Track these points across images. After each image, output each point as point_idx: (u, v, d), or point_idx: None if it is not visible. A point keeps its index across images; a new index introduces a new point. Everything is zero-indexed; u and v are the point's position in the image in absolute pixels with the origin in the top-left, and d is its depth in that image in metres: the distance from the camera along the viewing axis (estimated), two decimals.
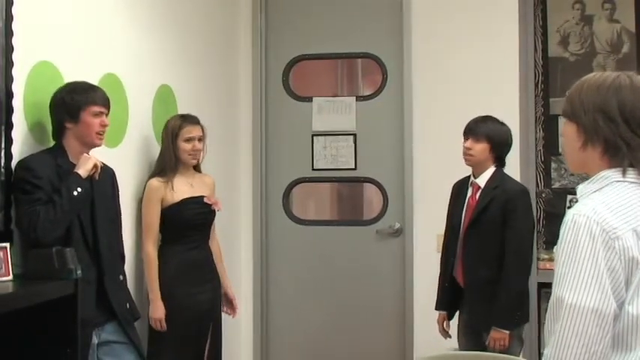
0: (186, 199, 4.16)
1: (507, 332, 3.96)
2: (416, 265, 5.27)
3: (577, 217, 1.91)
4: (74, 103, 3.30)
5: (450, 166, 5.11)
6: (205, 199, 4.25)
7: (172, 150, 4.16)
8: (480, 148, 4.07)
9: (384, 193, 5.43)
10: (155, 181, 4.13)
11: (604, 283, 1.86)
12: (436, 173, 5.18)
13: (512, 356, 3.66)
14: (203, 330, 4.24)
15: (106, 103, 3.40)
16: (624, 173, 1.97)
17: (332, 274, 5.48)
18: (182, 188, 4.17)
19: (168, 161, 4.15)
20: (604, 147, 1.99)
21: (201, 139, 4.23)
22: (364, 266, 5.43)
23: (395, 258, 5.36)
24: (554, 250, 1.99)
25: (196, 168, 4.31)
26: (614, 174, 1.98)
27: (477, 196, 4.09)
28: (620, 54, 5.21)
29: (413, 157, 5.29)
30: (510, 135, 4.18)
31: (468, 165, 4.15)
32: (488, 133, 4.07)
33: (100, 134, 3.38)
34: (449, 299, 4.26)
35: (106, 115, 3.40)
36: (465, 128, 4.15)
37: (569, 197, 5.09)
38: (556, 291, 1.91)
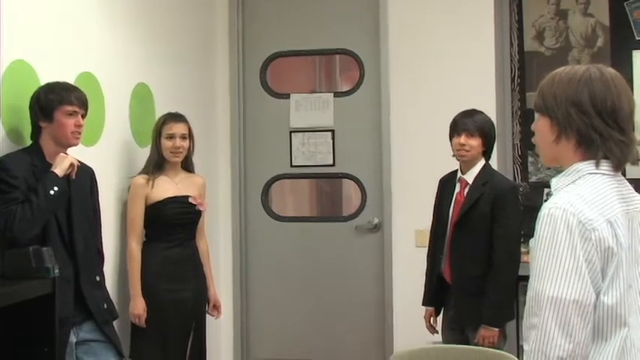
0: (170, 197, 4.16)
1: (497, 330, 3.95)
2: (395, 260, 5.29)
3: (553, 210, 1.92)
4: (47, 103, 3.29)
5: (427, 161, 5.16)
6: (190, 199, 4.24)
7: (156, 147, 4.18)
8: (476, 143, 4.03)
9: (362, 188, 5.45)
10: (140, 178, 4.15)
11: (583, 275, 1.88)
12: (414, 168, 5.20)
13: (488, 348, 3.68)
14: (185, 327, 4.24)
15: (80, 103, 3.37)
16: (597, 165, 1.99)
17: (312, 270, 5.48)
18: (166, 186, 4.17)
19: (153, 159, 4.17)
20: (577, 139, 2.01)
21: (185, 137, 4.23)
22: (344, 262, 5.44)
23: (374, 253, 5.38)
24: (530, 243, 2.00)
25: (187, 167, 4.31)
26: (587, 166, 2.00)
27: (465, 193, 4.06)
28: (594, 48, 5.24)
29: (391, 152, 5.31)
30: (493, 127, 4.17)
31: (462, 161, 4.09)
32: (481, 127, 4.03)
33: (76, 134, 3.36)
34: (436, 295, 4.23)
35: (82, 115, 3.38)
36: (456, 123, 4.08)
37: (545, 190, 5.12)
38: (535, 285, 1.92)
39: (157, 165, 4.17)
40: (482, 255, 3.97)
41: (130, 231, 4.12)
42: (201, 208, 4.31)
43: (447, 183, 4.22)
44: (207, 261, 4.44)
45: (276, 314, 5.52)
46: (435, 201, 4.28)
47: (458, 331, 4.14)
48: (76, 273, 3.40)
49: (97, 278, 3.60)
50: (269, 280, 5.56)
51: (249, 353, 5.58)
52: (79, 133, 3.38)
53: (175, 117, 4.24)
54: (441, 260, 4.14)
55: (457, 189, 4.12)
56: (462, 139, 4.04)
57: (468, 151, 4.04)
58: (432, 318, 4.31)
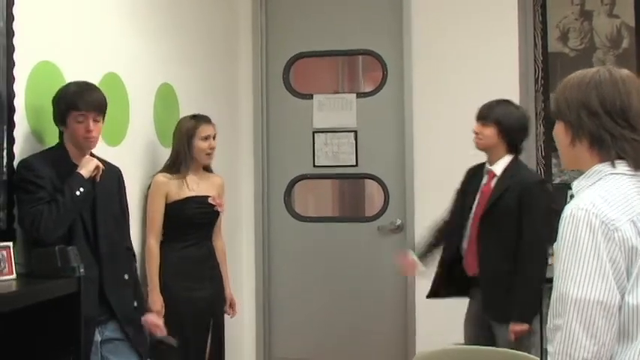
0: (190, 197, 4.18)
1: (527, 325, 3.90)
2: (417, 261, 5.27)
3: (575, 212, 1.93)
4: (60, 108, 3.30)
5: (450, 161, 5.14)
6: (210, 200, 4.26)
7: (187, 150, 4.19)
8: (488, 132, 3.99)
9: (385, 189, 5.45)
10: (161, 177, 4.16)
11: (607, 275, 1.88)
12: (437, 169, 5.19)
13: (518, 351, 3.66)
14: (202, 326, 4.25)
15: (90, 108, 3.29)
16: (613, 165, 2.00)
17: (334, 271, 5.49)
18: (187, 186, 4.19)
19: (183, 160, 4.18)
20: (590, 141, 2.03)
21: (215, 137, 4.27)
22: (366, 262, 5.44)
23: (396, 254, 5.36)
24: (554, 246, 2.00)
25: (206, 168, 4.33)
26: (606, 167, 2.01)
27: (492, 184, 4.02)
28: (619, 49, 5.22)
29: (413, 153, 5.30)
30: (524, 120, 4.09)
31: (477, 149, 4.08)
32: (497, 117, 3.98)
33: (89, 139, 3.32)
34: (447, 286, 4.17)
35: (93, 119, 3.31)
36: (477, 111, 4.09)
37: (569, 192, 5.10)
38: (559, 287, 1.92)
39: (184, 165, 4.18)
40: (508, 249, 3.92)
41: (149, 228, 4.15)
42: (219, 209, 4.33)
43: (474, 173, 4.17)
44: (223, 261, 4.46)
45: (298, 314, 5.53)
46: (460, 187, 4.23)
47: (481, 327, 4.09)
48: (100, 272, 3.41)
49: (126, 277, 3.61)
50: (291, 280, 5.57)
51: (271, 353, 5.59)
52: (93, 137, 3.33)
53: (206, 119, 4.28)
54: (464, 251, 4.10)
55: (484, 180, 4.08)
56: (476, 126, 4.05)
57: (480, 139, 4.03)
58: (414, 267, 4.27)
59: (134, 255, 3.79)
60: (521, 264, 3.88)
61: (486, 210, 4.00)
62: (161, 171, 4.21)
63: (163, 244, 4.18)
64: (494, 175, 4.03)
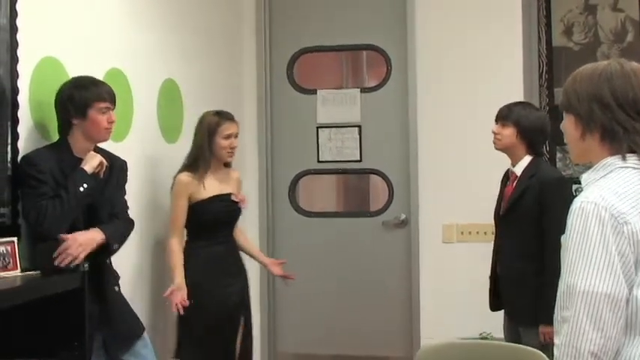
0: (215, 196, 4.17)
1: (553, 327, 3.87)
2: (422, 256, 5.28)
3: (585, 204, 1.93)
4: (81, 100, 3.29)
5: (454, 156, 5.15)
6: (233, 197, 4.26)
7: (208, 146, 4.15)
8: (507, 133, 3.97)
9: (389, 184, 5.44)
10: (184, 176, 4.14)
11: (616, 268, 1.88)
12: (441, 164, 5.20)
13: (521, 345, 3.65)
14: (233, 322, 4.25)
15: (112, 99, 3.39)
16: (624, 158, 2.00)
17: (338, 266, 5.49)
18: (212, 184, 4.17)
19: (203, 157, 4.14)
20: (601, 133, 2.02)
21: (237, 136, 4.24)
22: (370, 257, 5.44)
23: (401, 249, 5.37)
24: (562, 239, 2.00)
25: (227, 164, 4.30)
26: (616, 160, 2.00)
27: (514, 185, 4.01)
28: (624, 43, 5.20)
29: (418, 148, 5.30)
30: (544, 121, 4.07)
31: (496, 149, 4.06)
32: (517, 118, 3.97)
33: (109, 130, 3.39)
34: (494, 294, 4.12)
35: (112, 109, 3.41)
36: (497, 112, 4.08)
37: (574, 187, 5.10)
38: (567, 279, 1.93)
39: (205, 163, 4.15)
40: (530, 250, 3.88)
41: (172, 228, 4.13)
42: (243, 206, 4.33)
43: (504, 177, 4.16)
44: (253, 248, 4.61)
45: (302, 309, 5.53)
46: (498, 195, 4.20)
47: (511, 329, 4.06)
48: None
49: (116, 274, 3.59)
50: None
51: (276, 347, 5.60)
52: (111, 128, 3.40)
53: (230, 117, 4.24)
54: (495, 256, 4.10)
55: (508, 183, 4.08)
56: (495, 127, 4.04)
57: (499, 139, 4.02)
58: None
59: (128, 220, 3.63)
60: (546, 266, 3.77)
61: (507, 210, 3.99)
62: (183, 169, 4.16)
63: (189, 244, 4.18)
64: (516, 177, 4.01)
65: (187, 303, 3.99)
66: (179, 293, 4.00)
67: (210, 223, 4.18)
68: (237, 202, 4.29)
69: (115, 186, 3.53)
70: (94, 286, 3.23)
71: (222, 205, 4.21)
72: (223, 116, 4.22)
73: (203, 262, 4.14)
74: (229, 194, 4.25)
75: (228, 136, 4.19)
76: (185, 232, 4.20)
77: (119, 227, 3.47)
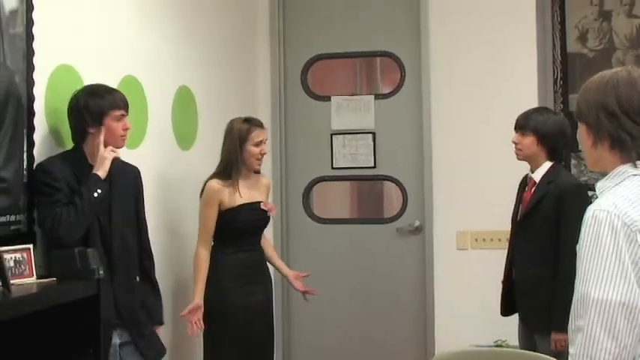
0: (244, 204, 4.15)
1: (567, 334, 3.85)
2: (436, 263, 5.27)
3: (597, 212, 1.92)
4: (97, 108, 3.29)
5: (469, 163, 5.14)
6: (262, 205, 4.25)
7: (238, 154, 4.14)
8: (528, 142, 3.96)
9: (403, 191, 5.44)
10: (215, 183, 4.12)
11: (629, 277, 1.87)
12: (455, 171, 5.19)
13: (537, 353, 3.63)
14: (258, 330, 4.23)
15: (126, 106, 3.40)
16: (635, 166, 1.99)
17: (352, 273, 5.48)
18: (242, 192, 4.14)
19: (234, 165, 4.13)
20: (610, 142, 2.02)
21: (265, 142, 4.24)
22: (384, 264, 5.44)
23: (415, 255, 5.37)
24: (577, 247, 1.99)
25: (256, 171, 4.28)
26: (629, 168, 2.00)
27: (532, 191, 3.99)
28: (639, 49, 5.18)
29: (432, 154, 5.29)
30: (563, 126, 4.02)
31: (518, 159, 4.06)
32: (535, 126, 3.95)
33: (124, 137, 3.40)
34: (506, 300, 4.12)
35: (127, 116, 3.41)
36: (515, 121, 4.06)
37: (589, 193, 5.08)
38: (580, 288, 1.92)
39: (235, 170, 4.14)
40: (546, 256, 3.87)
41: (200, 236, 4.13)
42: (271, 214, 4.33)
43: (522, 183, 4.15)
44: (277, 258, 4.60)
45: (316, 316, 5.52)
46: (515, 201, 4.19)
47: (526, 336, 4.04)
48: (112, 275, 3.38)
49: (137, 279, 3.62)
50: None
51: (291, 355, 5.59)
52: (126, 136, 3.41)
53: (259, 123, 4.23)
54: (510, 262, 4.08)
55: (527, 189, 4.06)
56: (515, 136, 4.02)
57: (520, 150, 4.01)
58: None
59: (151, 256, 3.75)
60: (561, 272, 3.77)
61: (524, 216, 3.98)
62: (213, 177, 4.15)
63: (216, 250, 4.17)
64: (535, 183, 4.00)
65: (202, 325, 4.02)
66: (196, 313, 4.02)
67: (239, 232, 4.18)
68: (265, 211, 4.28)
69: (129, 194, 3.55)
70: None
71: (251, 214, 4.19)
72: (253, 123, 4.21)
73: (229, 269, 4.14)
74: (258, 202, 4.24)
75: (258, 143, 4.17)
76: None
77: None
